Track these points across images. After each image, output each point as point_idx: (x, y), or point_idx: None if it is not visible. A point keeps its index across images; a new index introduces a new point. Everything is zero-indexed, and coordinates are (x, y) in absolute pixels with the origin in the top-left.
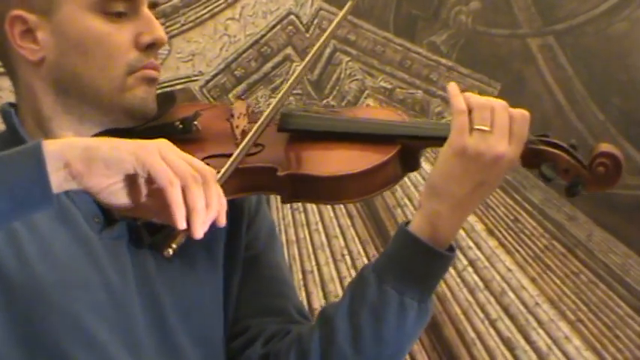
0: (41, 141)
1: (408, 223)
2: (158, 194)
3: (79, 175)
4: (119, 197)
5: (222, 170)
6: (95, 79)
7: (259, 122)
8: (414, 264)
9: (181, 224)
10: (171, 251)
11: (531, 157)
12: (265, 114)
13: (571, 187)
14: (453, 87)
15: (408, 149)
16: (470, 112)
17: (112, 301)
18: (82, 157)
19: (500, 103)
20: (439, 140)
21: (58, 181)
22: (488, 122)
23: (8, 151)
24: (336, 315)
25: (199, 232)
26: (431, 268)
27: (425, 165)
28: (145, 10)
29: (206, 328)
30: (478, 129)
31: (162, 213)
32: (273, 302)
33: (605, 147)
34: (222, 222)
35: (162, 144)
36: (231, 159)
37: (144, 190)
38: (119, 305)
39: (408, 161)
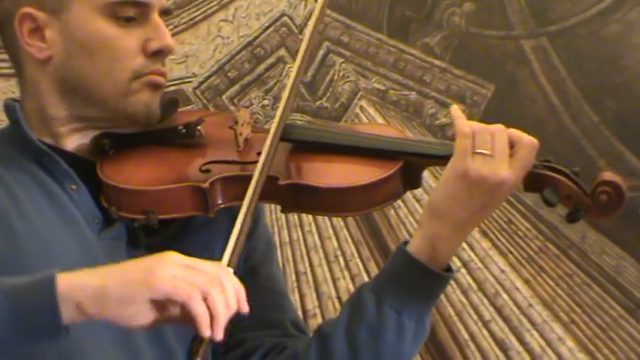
0: (54, 278)
1: (407, 242)
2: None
3: (92, 313)
4: (139, 320)
5: (241, 210)
6: (100, 81)
7: (264, 154)
8: (412, 284)
9: (207, 332)
10: None
11: (533, 182)
12: (269, 139)
13: (572, 213)
14: (455, 110)
15: (410, 166)
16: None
17: None
18: (94, 299)
19: (498, 128)
20: (441, 159)
21: (70, 317)
22: (489, 146)
23: (21, 284)
24: (333, 333)
25: (221, 335)
26: (429, 288)
27: (430, 181)
28: (155, 17)
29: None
30: (480, 153)
31: (184, 319)
32: (270, 315)
33: (608, 176)
34: (245, 309)
35: (169, 261)
36: (249, 194)
37: (163, 308)
38: None
39: (410, 178)
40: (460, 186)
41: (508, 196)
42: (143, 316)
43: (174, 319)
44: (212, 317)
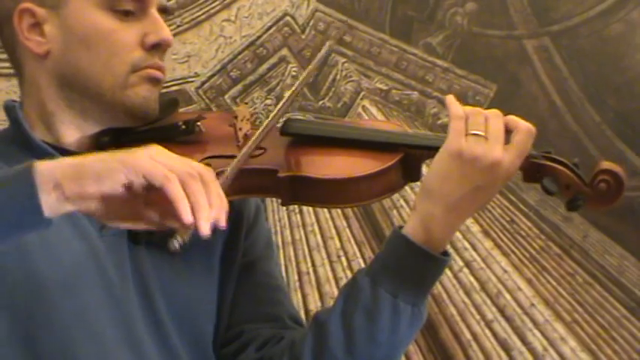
0: (33, 164)
1: (402, 227)
2: (157, 201)
3: (72, 194)
4: (118, 213)
5: (228, 170)
6: (98, 74)
7: (263, 126)
8: (407, 267)
9: (187, 217)
10: (177, 244)
11: (533, 171)
12: (269, 118)
13: (571, 201)
14: (450, 98)
15: (409, 158)
16: (465, 119)
17: (112, 298)
18: (72, 176)
19: (492, 112)
20: None
21: (51, 204)
22: (482, 127)
23: (1, 173)
24: (328, 319)
25: (206, 227)
26: (424, 271)
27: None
28: (153, 11)
29: (198, 330)
30: (473, 134)
31: (166, 217)
32: (267, 309)
33: (607, 165)
34: (223, 223)
35: (153, 148)
36: (235, 160)
37: (141, 199)
38: (119, 302)
39: (410, 171)
40: (453, 165)
41: (504, 181)
42: (118, 207)
43: (152, 218)
44: (192, 207)
